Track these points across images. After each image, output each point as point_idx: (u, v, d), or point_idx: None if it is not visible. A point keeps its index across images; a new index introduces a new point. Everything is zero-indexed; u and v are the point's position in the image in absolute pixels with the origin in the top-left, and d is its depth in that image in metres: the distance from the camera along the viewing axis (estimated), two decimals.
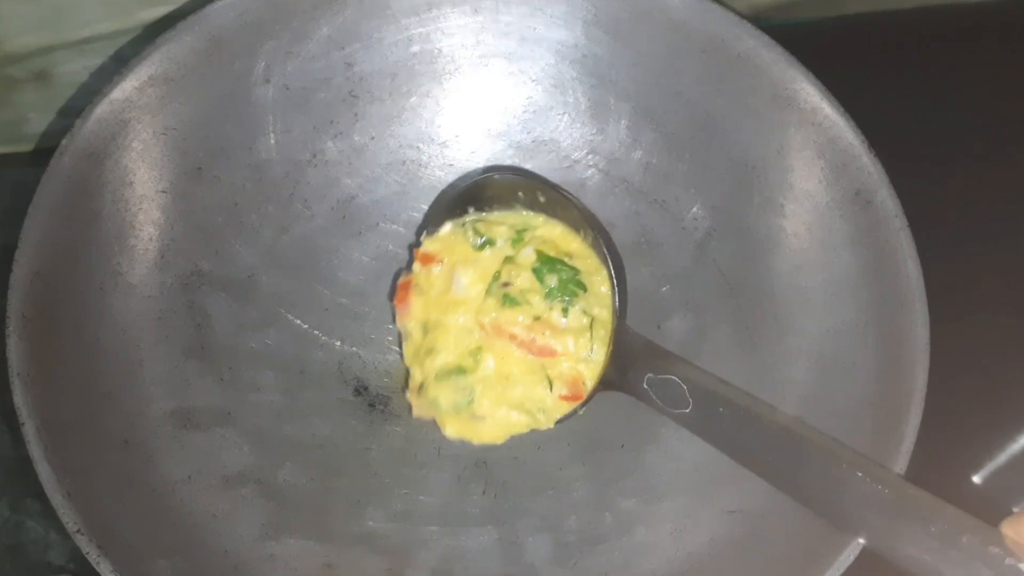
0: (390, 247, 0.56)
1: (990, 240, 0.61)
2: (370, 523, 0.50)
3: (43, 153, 0.47)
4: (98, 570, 0.41)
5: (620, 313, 0.50)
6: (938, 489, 0.40)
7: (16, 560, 0.54)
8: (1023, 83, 0.65)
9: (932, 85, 0.66)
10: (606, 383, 0.49)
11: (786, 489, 0.43)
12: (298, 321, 0.54)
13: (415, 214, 0.56)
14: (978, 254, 0.60)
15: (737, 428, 0.44)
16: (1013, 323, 0.59)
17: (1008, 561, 0.36)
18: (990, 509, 0.39)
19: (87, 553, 0.41)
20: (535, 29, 0.54)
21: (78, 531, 0.41)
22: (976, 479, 0.56)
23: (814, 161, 0.51)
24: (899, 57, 0.67)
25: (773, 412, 0.44)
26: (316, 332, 0.54)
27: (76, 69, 0.60)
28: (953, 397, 0.52)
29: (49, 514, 0.54)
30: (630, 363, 0.48)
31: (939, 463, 0.48)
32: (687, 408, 0.45)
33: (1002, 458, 0.58)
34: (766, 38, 0.51)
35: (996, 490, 0.55)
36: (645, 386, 0.46)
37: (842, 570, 0.42)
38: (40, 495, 0.54)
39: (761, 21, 0.66)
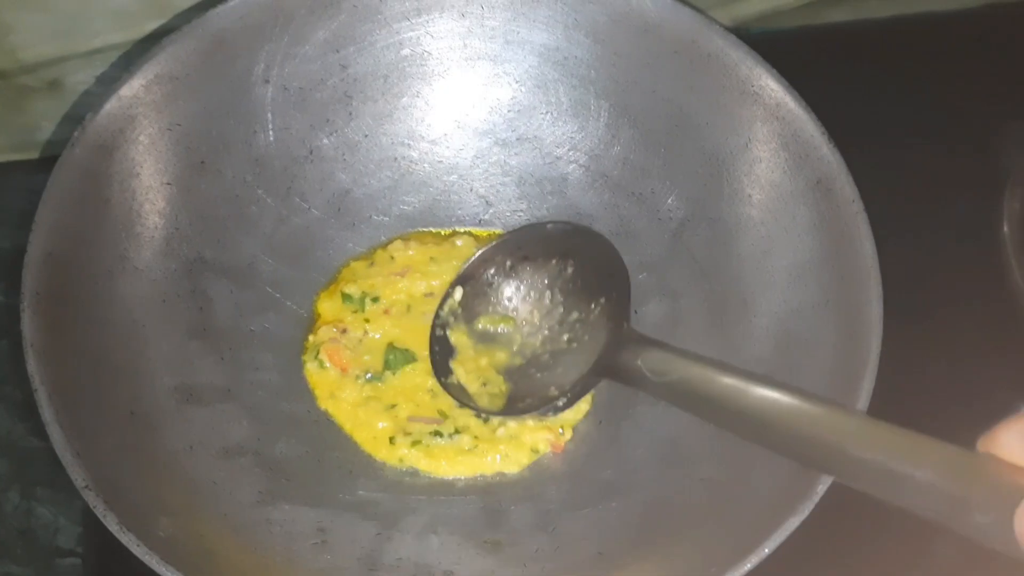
0: (382, 238, 0.58)
1: (943, 227, 0.64)
2: (361, 492, 0.52)
3: (53, 160, 0.50)
4: (105, 523, 0.42)
5: (624, 316, 0.52)
6: None
7: (26, 544, 0.56)
8: (980, 86, 0.68)
9: (898, 86, 0.68)
10: (598, 372, 0.51)
11: (755, 440, 0.45)
12: (295, 306, 0.56)
13: (406, 207, 0.59)
14: (932, 241, 0.63)
15: (707, 393, 0.46)
16: (964, 309, 0.62)
17: (982, 478, 0.37)
18: None
19: (94, 507, 0.42)
20: (519, 32, 0.57)
21: (86, 487, 0.43)
22: None
23: (779, 153, 0.53)
24: (871, 61, 0.70)
25: (739, 372, 0.46)
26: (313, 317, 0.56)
27: (87, 79, 0.62)
28: (911, 390, 0.54)
29: (58, 501, 0.57)
30: (622, 349, 0.50)
31: None
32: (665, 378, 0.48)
33: None
34: (733, 38, 0.53)
35: None
36: (638, 362, 0.49)
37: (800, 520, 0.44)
38: (49, 483, 0.57)
39: (741, 30, 0.69)
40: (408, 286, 0.56)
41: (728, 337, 0.53)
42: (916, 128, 0.67)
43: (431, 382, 0.55)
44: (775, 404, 0.44)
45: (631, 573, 0.48)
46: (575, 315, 0.54)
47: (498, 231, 0.59)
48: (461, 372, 0.54)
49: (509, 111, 0.59)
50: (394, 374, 0.54)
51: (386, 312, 0.56)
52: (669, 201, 0.57)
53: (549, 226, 0.57)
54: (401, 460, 0.53)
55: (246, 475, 0.50)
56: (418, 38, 0.57)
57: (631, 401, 0.54)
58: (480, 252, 0.56)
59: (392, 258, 0.57)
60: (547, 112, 0.58)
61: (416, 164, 0.59)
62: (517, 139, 0.59)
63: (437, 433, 0.53)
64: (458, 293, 0.55)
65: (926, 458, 0.39)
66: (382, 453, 0.53)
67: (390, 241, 0.58)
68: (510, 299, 0.55)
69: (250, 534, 0.48)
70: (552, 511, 0.51)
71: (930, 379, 0.59)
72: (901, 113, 0.68)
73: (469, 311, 0.55)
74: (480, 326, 0.55)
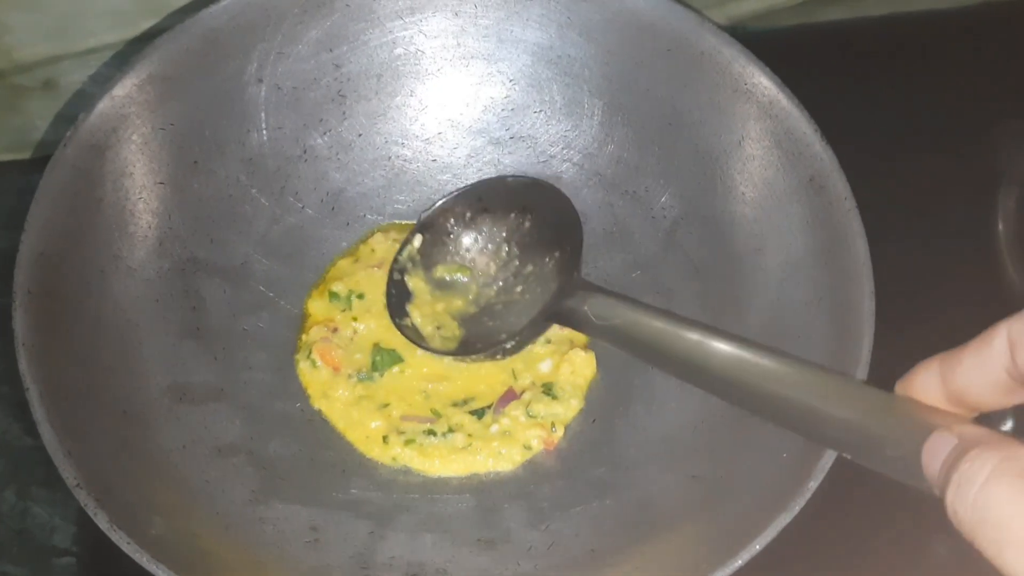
0: None
1: (937, 225, 0.64)
2: (354, 491, 0.52)
3: (47, 160, 0.49)
4: (96, 521, 0.42)
5: (575, 267, 0.52)
6: None
7: (23, 543, 0.56)
8: (976, 84, 0.68)
9: (893, 85, 0.68)
10: (547, 316, 0.52)
11: (690, 380, 0.46)
12: (289, 306, 0.56)
13: (399, 207, 0.59)
14: (926, 239, 0.63)
15: (644, 335, 0.47)
16: (958, 306, 0.61)
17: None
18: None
19: (85, 506, 0.42)
20: (512, 31, 0.57)
21: (77, 485, 0.43)
22: None
23: (772, 150, 0.53)
24: (867, 60, 0.70)
25: (677, 318, 0.47)
26: None
27: (82, 78, 0.62)
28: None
29: (54, 500, 0.57)
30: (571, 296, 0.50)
31: None
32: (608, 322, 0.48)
33: None
34: (726, 36, 0.53)
35: None
36: (585, 308, 0.49)
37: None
38: (46, 483, 0.57)
39: (737, 29, 0.69)
40: (383, 277, 0.56)
41: None
42: (911, 126, 0.67)
43: (424, 383, 0.55)
44: (705, 347, 0.45)
45: (624, 570, 0.48)
46: (530, 268, 0.55)
47: None
48: (417, 315, 0.55)
49: (503, 110, 0.59)
50: (381, 375, 0.54)
51: (369, 310, 0.56)
52: (663, 199, 0.57)
53: (509, 179, 0.58)
54: (394, 459, 0.53)
55: (239, 474, 0.50)
56: (411, 37, 0.57)
57: (624, 399, 0.54)
58: (441, 202, 0.56)
59: (373, 251, 0.57)
60: (541, 111, 0.58)
61: (410, 163, 0.59)
62: (511, 138, 0.59)
63: (430, 432, 0.53)
64: (417, 240, 0.55)
65: (846, 398, 0.41)
66: (375, 452, 0.53)
67: (371, 234, 0.58)
68: (468, 250, 0.56)
69: (243, 533, 0.48)
70: (545, 509, 0.51)
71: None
72: (896, 111, 0.68)
73: (428, 258, 0.56)
74: (438, 274, 0.56)
